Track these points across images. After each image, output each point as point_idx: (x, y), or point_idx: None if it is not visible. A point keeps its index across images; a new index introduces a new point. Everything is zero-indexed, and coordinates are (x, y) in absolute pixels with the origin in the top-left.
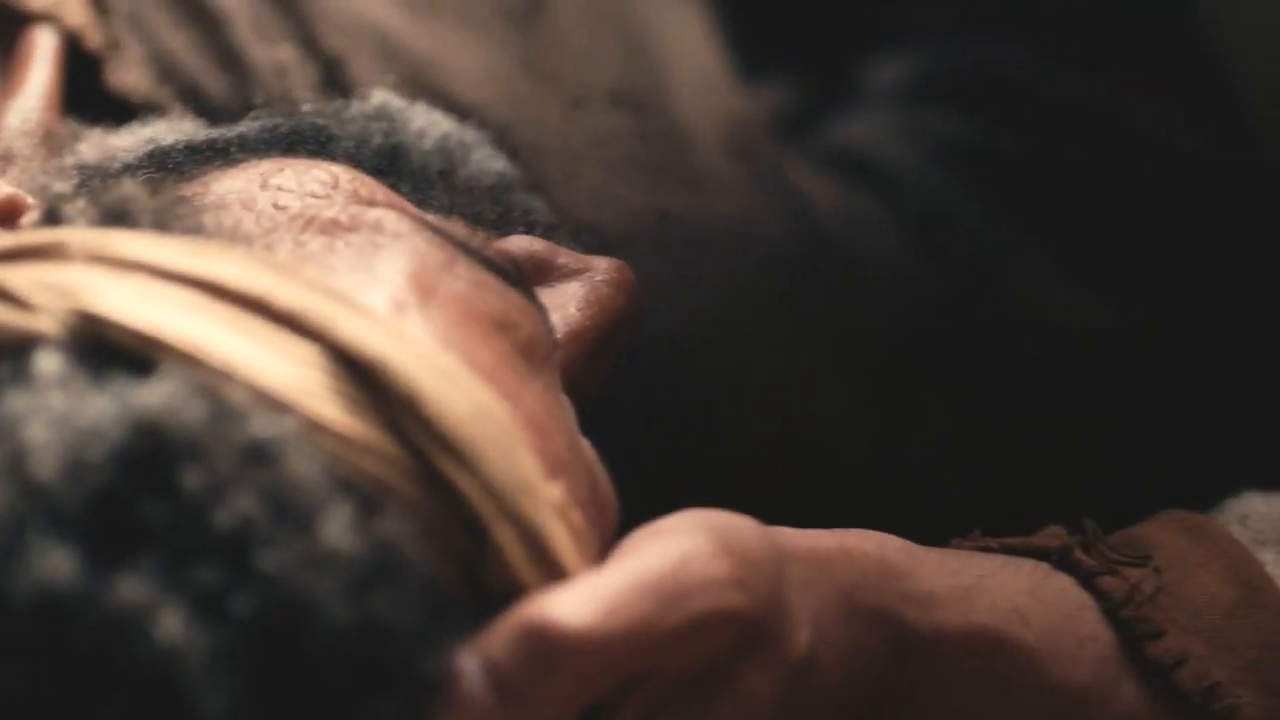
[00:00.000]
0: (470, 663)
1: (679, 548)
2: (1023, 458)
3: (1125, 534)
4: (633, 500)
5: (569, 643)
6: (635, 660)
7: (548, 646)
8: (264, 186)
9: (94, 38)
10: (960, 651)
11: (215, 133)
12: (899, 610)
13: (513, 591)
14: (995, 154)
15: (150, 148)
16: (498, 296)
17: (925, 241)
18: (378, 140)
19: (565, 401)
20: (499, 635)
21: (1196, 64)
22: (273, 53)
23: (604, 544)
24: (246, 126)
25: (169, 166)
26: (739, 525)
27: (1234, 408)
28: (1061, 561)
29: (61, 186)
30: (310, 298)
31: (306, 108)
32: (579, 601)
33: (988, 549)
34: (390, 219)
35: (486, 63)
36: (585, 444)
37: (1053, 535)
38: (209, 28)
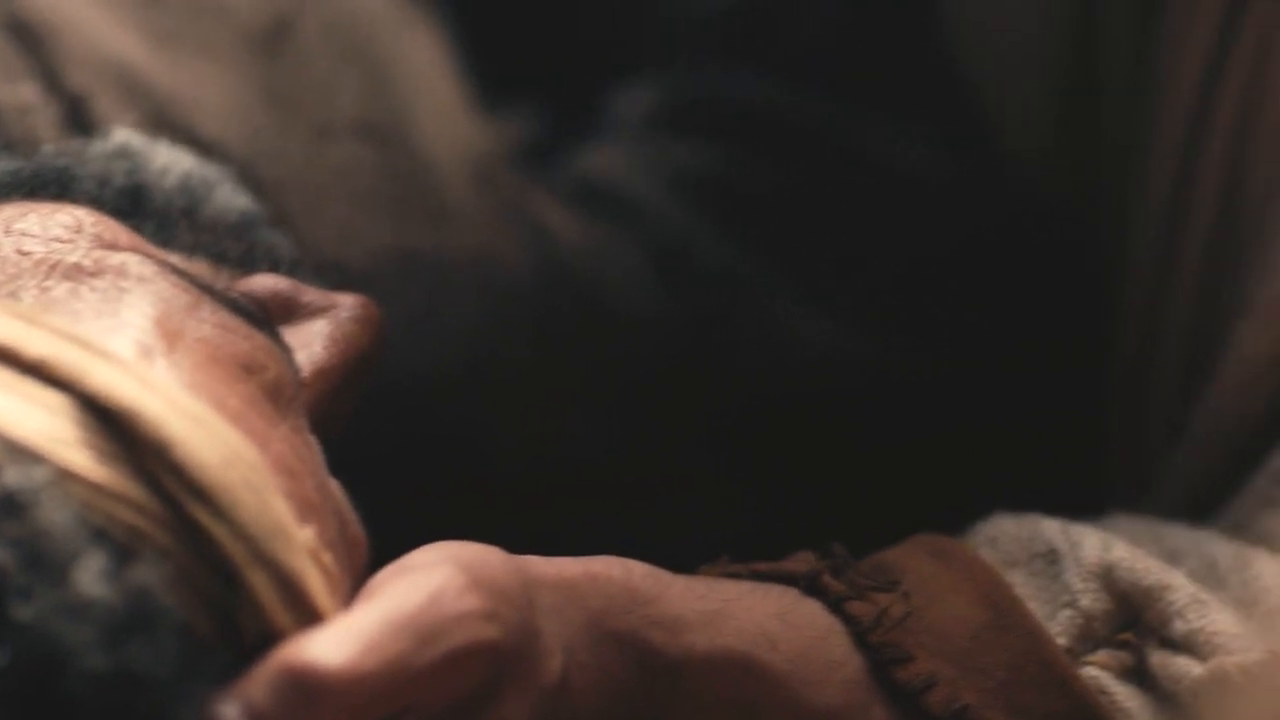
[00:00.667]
0: (230, 709)
1: (429, 583)
2: (771, 483)
3: (875, 559)
4: (385, 536)
5: (329, 683)
6: (395, 698)
7: (308, 688)
8: (7, 232)
9: None
10: (708, 674)
11: None
12: (646, 634)
13: (269, 636)
14: (737, 184)
15: None
16: (243, 339)
17: (668, 272)
18: (120, 180)
19: (313, 442)
20: (258, 679)
21: (941, 90)
22: (15, 92)
23: (356, 584)
24: None
25: None
26: (486, 556)
27: (982, 431)
28: (810, 587)
29: None
30: (58, 345)
31: (48, 148)
32: (336, 642)
33: (736, 575)
34: (134, 263)
35: (230, 95)
36: (334, 484)
37: (801, 560)
38: None
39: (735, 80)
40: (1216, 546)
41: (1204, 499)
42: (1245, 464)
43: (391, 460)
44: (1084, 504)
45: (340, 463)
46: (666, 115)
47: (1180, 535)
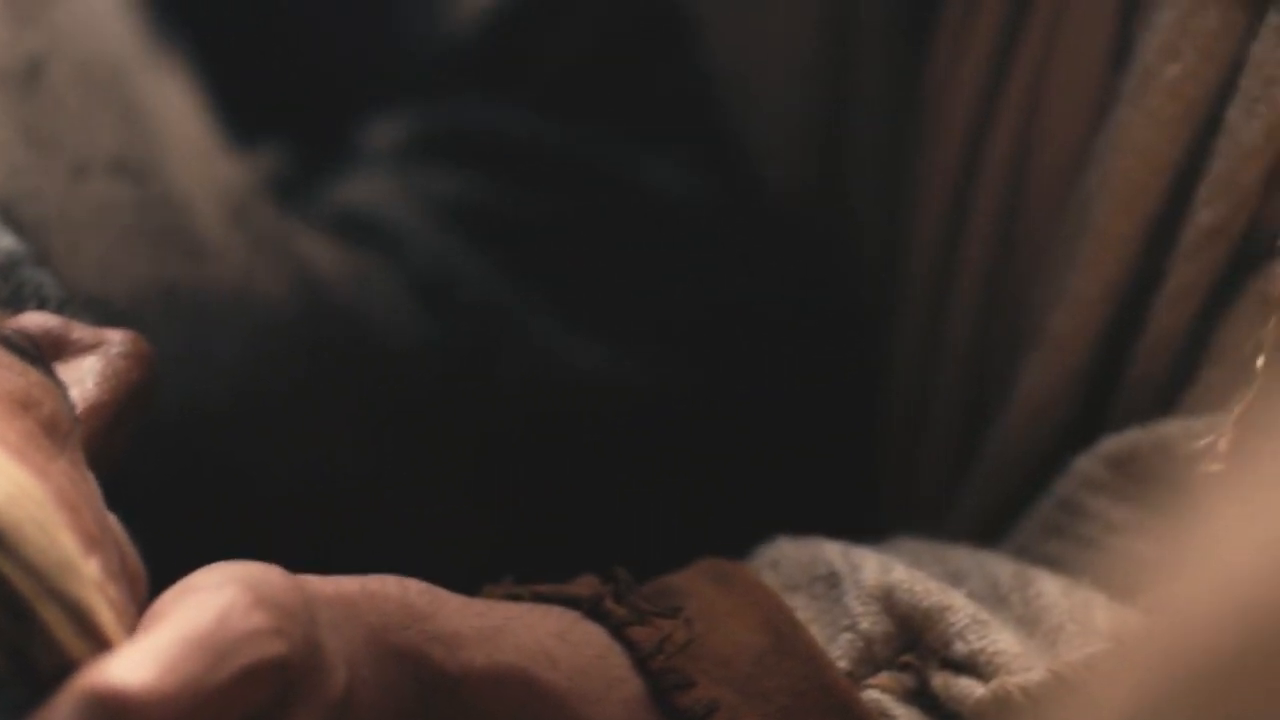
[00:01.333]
0: None
1: (216, 603)
2: (549, 509)
3: (658, 583)
4: (162, 569)
5: (133, 703)
6: (195, 716)
7: (112, 709)
8: None
9: None
10: (488, 689)
11: None
12: (425, 649)
13: (64, 669)
14: (496, 211)
15: None
16: (18, 375)
17: (431, 301)
18: None
19: (90, 477)
20: (60, 706)
21: (696, 116)
22: None
23: (139, 616)
24: None
25: None
26: (267, 574)
27: (760, 455)
28: (592, 610)
29: None
30: None
31: None
32: (135, 663)
33: (517, 596)
34: None
35: None
36: (112, 518)
37: (585, 584)
38: None
39: (487, 108)
40: (999, 566)
41: (994, 528)
42: (1034, 492)
43: (164, 494)
44: (871, 527)
45: (115, 497)
46: (420, 145)
47: (963, 556)
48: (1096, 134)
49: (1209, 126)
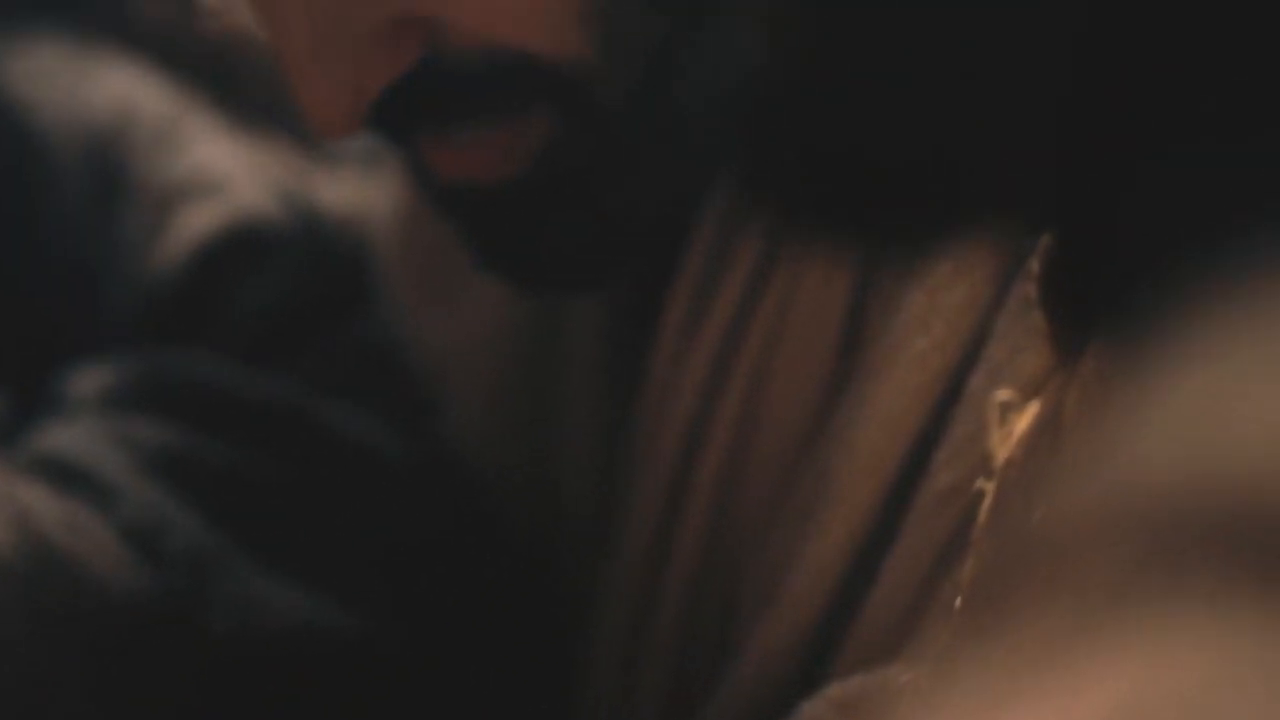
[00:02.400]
0: None
1: None
2: None
3: None
4: None
5: None
6: None
7: None
8: None
9: None
10: None
11: None
12: None
13: None
14: (199, 459)
15: None
16: None
17: (142, 549)
18: None
19: None
20: None
21: (392, 376)
22: None
23: None
24: None
25: None
26: None
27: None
28: None
29: None
30: None
31: None
32: None
33: None
34: None
35: None
36: None
37: None
38: None
39: (187, 357)
40: None
41: None
42: None
43: None
44: None
45: None
46: (123, 393)
47: None
48: (825, 412)
49: (951, 394)
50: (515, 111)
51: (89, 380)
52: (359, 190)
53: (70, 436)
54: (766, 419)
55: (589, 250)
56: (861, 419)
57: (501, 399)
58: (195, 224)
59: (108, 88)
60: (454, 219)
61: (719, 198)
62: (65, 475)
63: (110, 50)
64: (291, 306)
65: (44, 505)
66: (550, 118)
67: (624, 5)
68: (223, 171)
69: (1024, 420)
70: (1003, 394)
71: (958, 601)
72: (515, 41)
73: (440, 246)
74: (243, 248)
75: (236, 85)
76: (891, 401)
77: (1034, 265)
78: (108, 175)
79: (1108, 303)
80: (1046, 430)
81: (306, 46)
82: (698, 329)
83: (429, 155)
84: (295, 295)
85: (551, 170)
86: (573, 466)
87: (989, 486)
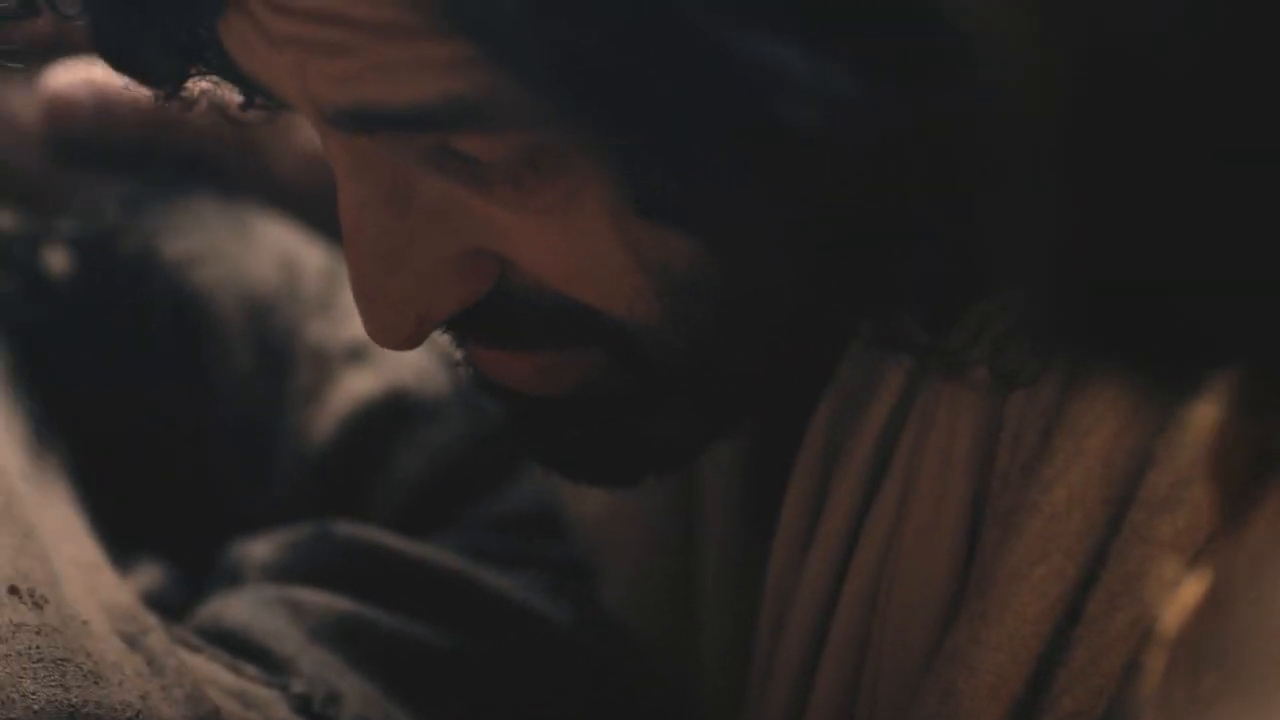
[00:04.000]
0: None
1: None
2: None
3: None
4: None
5: None
6: None
7: None
8: None
9: None
10: None
11: None
12: None
13: None
14: (369, 627)
15: None
16: None
17: (316, 716)
18: None
19: None
20: None
21: (546, 536)
22: None
23: None
24: None
25: None
26: None
27: None
28: None
29: None
30: None
31: None
32: None
33: None
34: None
35: None
36: None
37: None
38: None
39: (351, 527)
40: None
41: None
42: None
43: None
44: None
45: None
46: (289, 563)
47: None
48: (945, 632)
49: (1070, 618)
50: (568, 345)
51: (256, 550)
52: None
53: (241, 607)
54: (893, 618)
55: (623, 458)
56: (986, 642)
57: (648, 568)
58: (354, 390)
59: (268, 247)
60: (495, 406)
61: (825, 404)
62: (238, 647)
63: (261, 209)
64: (449, 473)
65: (217, 678)
66: (600, 356)
67: (691, 286)
68: None
69: (1192, 590)
70: (1169, 566)
71: None
72: (587, 298)
73: None
74: (400, 415)
75: None
76: (1014, 627)
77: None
78: (273, 339)
79: None
80: (1217, 600)
81: (377, 269)
82: (818, 524)
83: (474, 351)
84: (452, 462)
85: (589, 395)
86: (712, 634)
87: (1153, 659)
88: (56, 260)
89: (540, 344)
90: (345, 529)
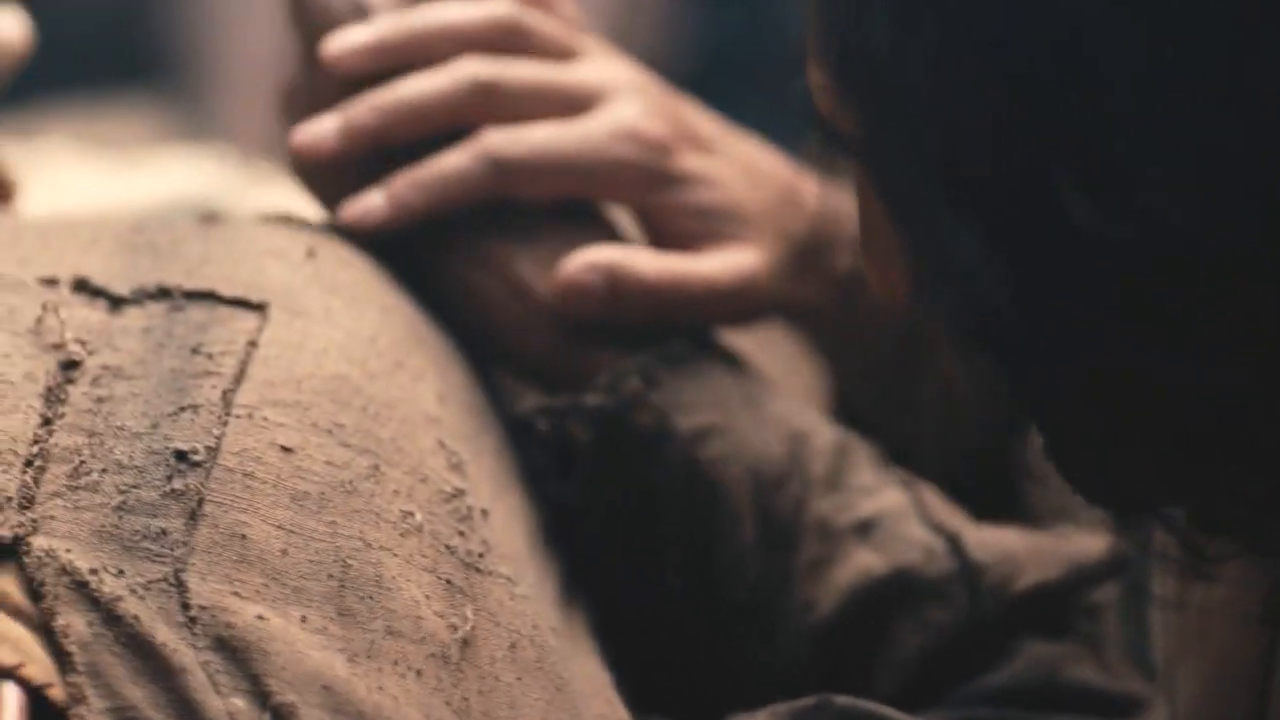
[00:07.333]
0: None
1: None
2: None
3: None
4: None
5: None
6: None
7: None
8: None
9: (59, 693)
10: None
11: None
12: None
13: None
14: None
15: None
16: None
17: None
18: None
19: None
20: None
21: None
22: (226, 703)
23: None
24: None
25: None
26: None
27: None
28: None
29: None
30: None
31: None
32: None
33: None
34: None
35: (423, 711)
36: None
37: None
38: (166, 680)
39: (852, 703)
40: None
41: None
42: None
43: None
44: None
45: None
46: None
47: None
48: None
49: None
50: None
51: None
52: (1002, 533)
53: None
54: None
55: None
56: None
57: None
58: (861, 566)
59: (778, 421)
60: None
61: None
62: None
63: (763, 381)
64: (946, 651)
65: None
66: None
67: None
68: (890, 515)
69: None
70: None
71: None
72: None
73: None
74: (905, 594)
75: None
76: None
77: None
78: (780, 513)
79: None
80: None
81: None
82: None
83: None
84: (953, 641)
85: None
86: None
87: None
88: (580, 433)
89: None
90: (844, 701)
